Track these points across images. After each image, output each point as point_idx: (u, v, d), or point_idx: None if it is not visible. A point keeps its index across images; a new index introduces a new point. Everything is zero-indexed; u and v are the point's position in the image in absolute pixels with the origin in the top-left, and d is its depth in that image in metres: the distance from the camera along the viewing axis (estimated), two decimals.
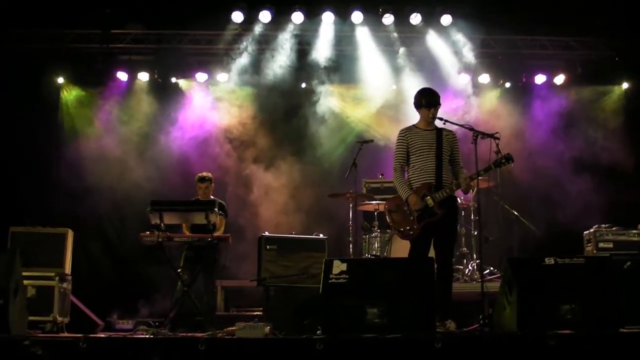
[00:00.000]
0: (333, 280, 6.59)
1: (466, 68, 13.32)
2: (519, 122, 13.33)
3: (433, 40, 13.28)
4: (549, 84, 13.66)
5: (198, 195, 10.48)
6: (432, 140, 7.82)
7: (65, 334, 9.09)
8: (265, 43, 13.22)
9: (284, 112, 13.46)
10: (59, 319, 9.28)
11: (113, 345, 6.32)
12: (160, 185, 12.37)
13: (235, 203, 12.34)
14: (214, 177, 11.04)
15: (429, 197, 7.65)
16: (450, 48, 13.25)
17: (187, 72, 13.39)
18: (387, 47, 13.39)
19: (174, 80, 13.47)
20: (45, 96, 13.16)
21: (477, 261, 10.59)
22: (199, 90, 13.51)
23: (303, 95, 13.59)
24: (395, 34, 13.27)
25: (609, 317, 6.46)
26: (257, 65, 13.13)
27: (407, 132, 7.94)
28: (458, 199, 8.44)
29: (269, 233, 10.12)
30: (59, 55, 13.14)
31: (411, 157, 7.88)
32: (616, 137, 13.07)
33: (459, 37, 13.13)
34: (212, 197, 10.38)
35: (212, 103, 13.51)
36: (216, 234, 9.30)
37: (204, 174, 10.56)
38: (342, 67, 13.27)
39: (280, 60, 13.03)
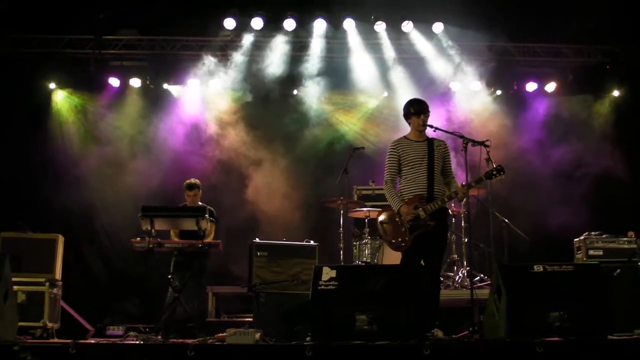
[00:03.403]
0: (322, 286, 6.60)
1: (458, 75, 13.36)
2: (510, 129, 13.37)
3: (424, 47, 13.31)
4: (540, 91, 13.73)
5: (186, 202, 10.43)
6: (424, 152, 7.81)
7: (55, 340, 9.07)
8: (257, 49, 13.24)
9: (275, 118, 13.48)
10: (49, 324, 9.25)
11: (103, 351, 6.32)
12: (151, 191, 12.34)
13: (227, 209, 12.33)
14: (206, 182, 11.04)
15: (420, 208, 7.63)
16: (442, 55, 13.29)
17: (178, 78, 13.39)
18: (379, 54, 13.42)
19: (165, 86, 13.47)
20: (37, 101, 13.17)
21: (467, 268, 10.62)
22: (191, 96, 13.50)
23: (295, 101, 13.61)
24: (387, 41, 13.31)
25: (598, 324, 6.48)
26: (248, 71, 13.16)
27: (398, 145, 7.93)
28: (449, 209, 8.42)
29: (259, 239, 10.11)
30: (51, 60, 13.14)
31: (403, 169, 7.86)
32: (607, 144, 13.13)
33: (451, 45, 13.17)
34: (200, 203, 10.35)
35: (204, 109, 13.51)
36: (206, 240, 9.29)
37: (192, 180, 10.47)
38: (334, 73, 13.32)
39: (272, 67, 13.05)
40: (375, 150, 12.58)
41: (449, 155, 8.01)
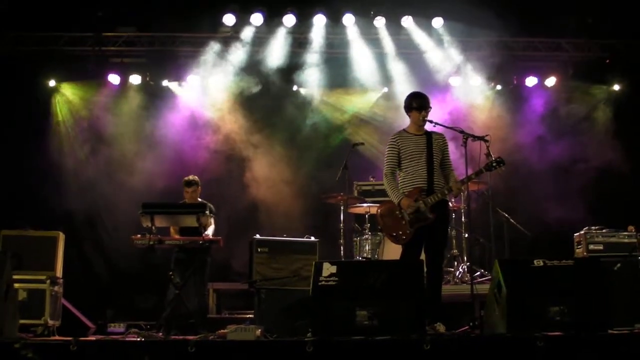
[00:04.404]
0: (323, 282, 6.60)
1: (457, 70, 13.36)
2: (510, 124, 13.38)
3: (424, 42, 13.30)
4: (540, 85, 13.72)
5: (185, 199, 10.43)
6: (423, 145, 7.83)
7: (57, 337, 9.07)
8: (257, 45, 13.23)
9: (275, 114, 13.50)
10: (50, 322, 9.25)
11: (104, 348, 6.32)
12: (153, 188, 12.33)
13: (227, 205, 12.35)
14: (206, 179, 11.04)
15: (421, 201, 7.65)
16: (442, 50, 13.28)
17: (178, 74, 13.39)
18: (379, 50, 13.41)
19: (165, 82, 13.46)
20: (38, 98, 13.17)
21: (468, 263, 10.62)
22: (191, 92, 13.50)
23: (294, 97, 13.62)
24: (386, 36, 13.31)
25: (598, 318, 6.47)
26: (248, 67, 13.15)
27: (398, 137, 7.94)
28: (449, 202, 8.45)
29: (260, 235, 10.11)
30: (51, 58, 13.14)
31: (402, 162, 7.87)
32: (606, 138, 13.14)
33: (451, 39, 13.17)
34: (199, 199, 10.36)
35: (204, 105, 13.50)
36: (205, 233, 9.30)
37: (191, 177, 10.44)
38: (334, 68, 13.31)
39: (272, 63, 13.05)
40: (375, 146, 12.57)
41: (447, 148, 8.04)
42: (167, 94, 13.49)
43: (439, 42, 13.27)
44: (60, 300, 9.81)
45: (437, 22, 13.05)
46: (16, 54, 12.99)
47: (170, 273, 9.42)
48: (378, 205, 8.64)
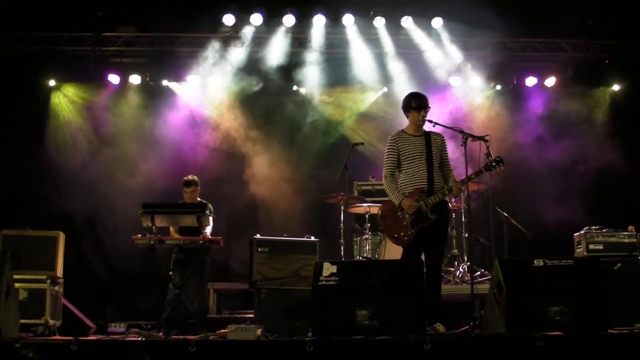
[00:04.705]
0: (323, 282, 6.60)
1: (457, 70, 13.37)
2: (509, 124, 13.39)
3: (424, 42, 13.30)
4: (540, 86, 13.72)
5: (184, 199, 10.42)
6: (422, 146, 7.82)
7: (57, 337, 9.08)
8: (257, 45, 13.23)
9: (275, 113, 13.51)
10: (51, 322, 9.27)
11: (104, 348, 6.32)
12: (153, 188, 12.34)
13: (227, 205, 12.35)
14: (205, 178, 11.04)
15: (422, 202, 7.64)
16: (441, 50, 13.29)
17: (178, 74, 13.39)
18: (378, 50, 13.41)
19: (165, 82, 13.46)
20: (38, 98, 13.17)
21: (468, 263, 10.62)
22: (190, 92, 13.50)
23: (294, 96, 13.63)
24: (386, 36, 13.31)
25: (598, 318, 6.46)
26: (248, 67, 13.15)
27: (397, 138, 7.93)
28: (449, 203, 8.47)
29: (260, 235, 10.11)
30: (51, 57, 13.14)
31: (402, 163, 7.86)
32: (606, 138, 13.12)
33: (450, 40, 13.18)
34: (199, 199, 10.36)
35: (204, 106, 13.50)
36: (204, 232, 9.31)
37: (190, 177, 10.41)
38: (333, 68, 13.30)
39: (271, 62, 13.05)
40: (375, 145, 12.58)
41: (446, 148, 8.03)
42: (167, 93, 13.49)
43: (439, 42, 13.26)
44: (60, 300, 9.83)
45: (437, 23, 13.06)
46: (16, 54, 13.00)
47: (171, 273, 9.42)
48: (378, 206, 8.64)
